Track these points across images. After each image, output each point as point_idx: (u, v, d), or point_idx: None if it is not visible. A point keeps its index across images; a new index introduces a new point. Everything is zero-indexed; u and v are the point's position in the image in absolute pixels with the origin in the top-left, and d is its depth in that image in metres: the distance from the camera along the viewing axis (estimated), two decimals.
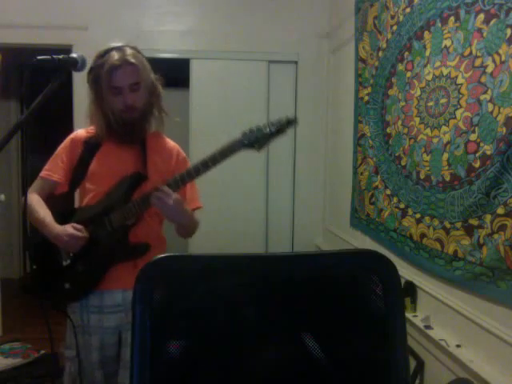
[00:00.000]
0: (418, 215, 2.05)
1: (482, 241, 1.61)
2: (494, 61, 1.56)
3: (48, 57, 1.27)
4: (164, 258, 0.94)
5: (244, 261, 0.98)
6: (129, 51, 1.63)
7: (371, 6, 2.58)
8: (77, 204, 1.80)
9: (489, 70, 1.58)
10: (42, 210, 1.67)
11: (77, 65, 1.32)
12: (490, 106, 1.57)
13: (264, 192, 3.62)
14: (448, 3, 1.83)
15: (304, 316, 0.98)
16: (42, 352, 3.09)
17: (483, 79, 1.61)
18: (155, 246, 1.74)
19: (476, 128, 1.64)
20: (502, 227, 1.50)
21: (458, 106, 1.75)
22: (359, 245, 2.82)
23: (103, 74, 1.60)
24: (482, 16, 1.62)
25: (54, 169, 1.73)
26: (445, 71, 1.85)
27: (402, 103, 2.22)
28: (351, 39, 2.94)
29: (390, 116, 2.36)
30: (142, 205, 1.63)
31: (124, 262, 1.68)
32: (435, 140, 1.91)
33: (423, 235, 2.00)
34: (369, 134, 2.62)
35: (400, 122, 2.24)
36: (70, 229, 1.62)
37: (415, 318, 2.07)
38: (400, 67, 2.25)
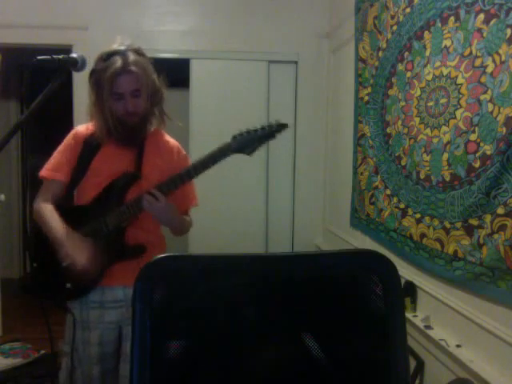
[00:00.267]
0: (417, 215, 2.05)
1: (482, 241, 1.61)
2: (494, 61, 1.56)
3: (48, 57, 1.27)
4: (164, 258, 0.94)
5: (244, 261, 0.98)
6: (131, 57, 1.63)
7: (371, 6, 2.58)
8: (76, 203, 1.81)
9: (489, 70, 1.58)
10: (56, 228, 1.65)
11: (77, 65, 1.33)
12: (490, 106, 1.57)
13: (264, 192, 3.62)
14: (448, 3, 1.83)
15: (304, 316, 0.98)
16: (42, 352, 3.09)
17: (483, 79, 1.61)
18: (155, 244, 1.75)
19: (476, 128, 1.64)
20: (502, 227, 1.50)
21: (458, 106, 1.75)
22: (359, 245, 2.82)
23: (105, 78, 1.61)
24: (482, 16, 1.62)
25: (59, 168, 1.73)
26: (445, 71, 1.85)
27: (402, 103, 2.22)
28: (351, 39, 2.94)
29: (390, 116, 2.36)
30: (136, 207, 1.65)
31: (122, 262, 1.69)
32: (435, 140, 1.91)
33: (423, 235, 2.00)
34: (369, 134, 2.62)
35: (400, 122, 2.24)
36: (85, 260, 1.60)
37: (415, 318, 2.07)
38: (400, 67, 2.25)
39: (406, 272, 2.19)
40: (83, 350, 1.71)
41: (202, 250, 3.39)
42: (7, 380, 2.79)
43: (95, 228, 1.68)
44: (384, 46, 2.43)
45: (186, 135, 3.51)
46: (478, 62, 1.64)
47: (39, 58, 1.26)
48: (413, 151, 2.10)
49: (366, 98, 2.67)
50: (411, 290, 2.13)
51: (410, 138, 2.13)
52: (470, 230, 1.68)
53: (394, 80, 2.32)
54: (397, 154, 2.27)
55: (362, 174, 2.76)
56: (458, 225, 1.74)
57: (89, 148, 1.72)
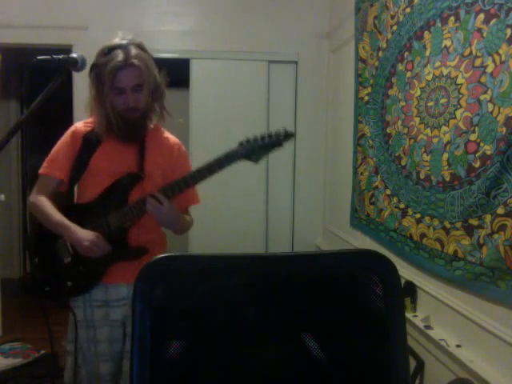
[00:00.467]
0: (417, 215, 2.05)
1: (482, 241, 1.61)
2: (494, 61, 1.56)
3: (48, 57, 1.27)
4: (164, 258, 0.94)
5: (244, 261, 0.98)
6: (133, 51, 1.61)
7: (371, 6, 2.58)
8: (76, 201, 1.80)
9: (489, 69, 1.58)
10: (56, 214, 1.67)
11: (77, 65, 1.32)
12: (490, 106, 1.57)
13: (264, 192, 3.62)
14: (448, 3, 1.83)
15: (304, 316, 0.98)
16: (42, 352, 3.09)
17: (483, 79, 1.61)
18: (156, 243, 1.75)
19: (476, 128, 1.64)
20: (502, 227, 1.50)
21: (458, 106, 1.75)
22: (359, 245, 2.82)
23: (106, 73, 1.59)
24: (482, 16, 1.62)
25: (56, 165, 1.72)
26: (445, 71, 1.85)
27: (402, 103, 2.22)
28: (351, 39, 2.94)
29: (390, 116, 2.36)
30: (139, 210, 1.64)
31: (124, 262, 1.69)
32: (435, 140, 1.91)
33: (423, 235, 2.00)
34: (369, 134, 2.62)
35: (400, 122, 2.24)
36: (93, 236, 1.62)
37: (415, 318, 2.07)
38: (400, 67, 2.25)
39: (406, 272, 2.19)
40: (88, 348, 1.70)
41: (202, 250, 3.39)
42: (7, 380, 2.79)
43: (97, 227, 1.67)
44: (384, 45, 2.43)
45: (186, 135, 3.51)
46: (477, 62, 1.64)
47: (39, 57, 1.26)
48: (413, 151, 2.10)
49: (366, 98, 2.67)
50: (411, 289, 2.13)
51: (410, 138, 2.13)
52: (470, 230, 1.68)
53: (394, 80, 2.32)
54: (397, 154, 2.27)
55: (361, 174, 2.76)
56: (458, 225, 1.74)
57: (88, 144, 1.71)
